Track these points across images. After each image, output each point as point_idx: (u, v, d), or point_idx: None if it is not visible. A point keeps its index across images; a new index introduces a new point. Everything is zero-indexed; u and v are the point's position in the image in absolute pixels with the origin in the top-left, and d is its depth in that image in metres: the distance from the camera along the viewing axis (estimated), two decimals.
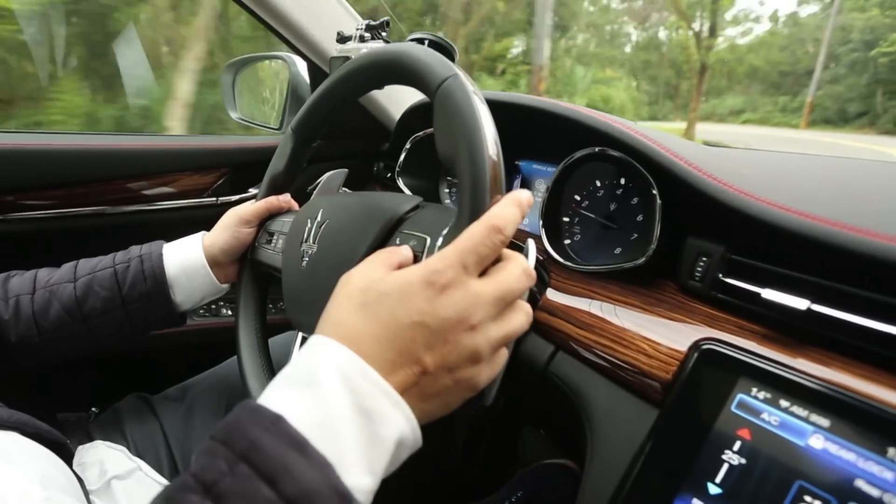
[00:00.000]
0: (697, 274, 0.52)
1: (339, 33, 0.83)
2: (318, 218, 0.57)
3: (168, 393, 0.82)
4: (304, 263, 0.55)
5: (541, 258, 0.69)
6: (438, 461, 1.10)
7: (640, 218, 0.63)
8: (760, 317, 0.47)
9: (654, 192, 0.55)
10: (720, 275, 0.50)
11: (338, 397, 0.29)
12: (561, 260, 0.65)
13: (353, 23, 0.97)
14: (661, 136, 0.58)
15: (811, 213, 0.43)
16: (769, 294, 0.45)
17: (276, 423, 0.27)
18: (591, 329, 0.55)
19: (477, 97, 0.43)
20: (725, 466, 0.41)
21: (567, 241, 0.70)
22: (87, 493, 0.56)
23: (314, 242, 0.55)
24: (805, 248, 0.43)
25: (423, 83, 0.46)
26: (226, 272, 0.72)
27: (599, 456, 0.49)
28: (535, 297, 0.64)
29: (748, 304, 0.47)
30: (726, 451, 0.41)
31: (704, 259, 0.51)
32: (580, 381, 0.55)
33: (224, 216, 0.71)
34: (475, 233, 0.36)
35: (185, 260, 0.68)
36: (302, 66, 1.10)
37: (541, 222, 0.69)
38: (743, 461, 0.40)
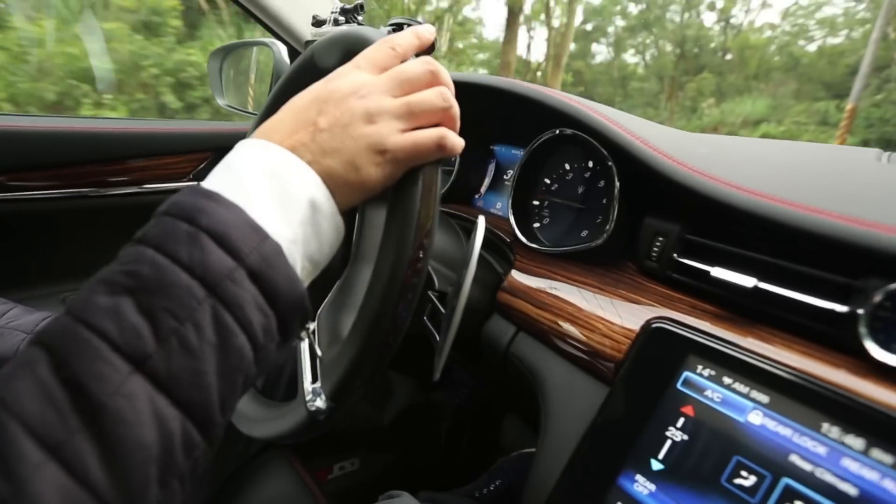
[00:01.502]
0: (654, 254, 0.51)
1: (314, 17, 0.83)
2: None
3: None
4: None
5: (507, 240, 0.69)
6: (423, 449, 1.11)
7: (604, 201, 0.62)
8: (711, 296, 0.47)
9: (611, 163, 0.54)
10: (675, 255, 0.50)
11: (245, 168, 0.31)
12: (527, 242, 0.65)
13: (329, 5, 0.97)
14: (623, 117, 0.58)
15: (760, 190, 0.43)
16: (718, 272, 0.45)
17: (191, 189, 0.29)
18: (549, 309, 0.55)
19: None
20: (668, 443, 0.41)
21: (536, 225, 0.70)
22: None
23: None
24: (753, 225, 0.43)
25: None
26: None
27: (552, 435, 0.49)
28: (499, 279, 0.64)
29: (700, 282, 0.47)
30: (670, 428, 0.41)
31: (661, 239, 0.51)
32: (538, 361, 0.55)
33: None
34: (370, 48, 0.38)
35: None
36: (286, 53, 1.10)
37: (509, 205, 0.69)
38: (685, 437, 0.40)
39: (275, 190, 0.31)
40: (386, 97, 0.36)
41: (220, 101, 1.30)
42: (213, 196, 0.29)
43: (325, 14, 0.82)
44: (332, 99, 0.35)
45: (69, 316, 0.25)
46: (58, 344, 0.24)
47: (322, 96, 0.35)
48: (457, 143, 0.38)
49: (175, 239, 0.27)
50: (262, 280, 0.28)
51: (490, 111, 0.79)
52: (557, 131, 0.62)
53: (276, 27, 0.98)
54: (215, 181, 0.31)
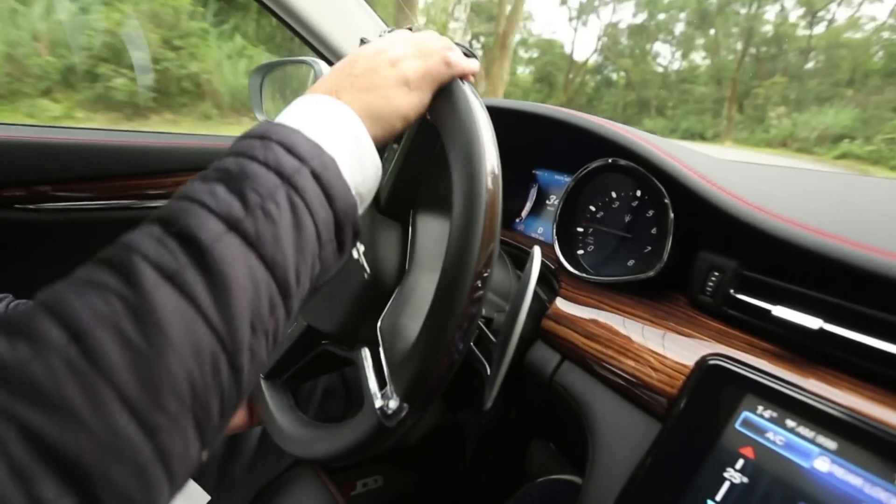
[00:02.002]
0: (709, 289, 0.51)
1: (361, 39, 0.84)
2: None
3: None
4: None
5: (552, 267, 0.69)
6: (447, 470, 1.10)
7: (654, 231, 0.62)
8: (771, 334, 0.46)
9: (667, 201, 0.54)
10: (732, 290, 0.49)
11: (301, 111, 0.38)
12: (572, 270, 0.65)
13: (375, 28, 0.99)
14: (675, 148, 0.58)
15: (825, 230, 0.42)
16: (780, 312, 0.44)
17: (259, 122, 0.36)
18: (598, 339, 0.55)
19: (477, 101, 0.42)
20: (727, 484, 0.40)
21: (580, 252, 0.70)
22: None
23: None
24: (818, 265, 0.42)
25: None
26: None
27: (600, 468, 0.49)
28: (544, 306, 0.64)
29: (759, 321, 0.46)
30: (728, 469, 0.40)
31: (717, 274, 0.50)
32: (585, 391, 0.54)
33: None
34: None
35: None
36: (327, 71, 1.12)
37: (554, 232, 0.69)
38: (745, 480, 0.39)
39: (325, 124, 0.37)
40: (404, 51, 0.43)
41: (259, 117, 1.33)
42: (278, 124, 0.35)
43: (372, 36, 0.83)
44: (363, 55, 0.42)
45: (175, 198, 0.30)
46: (165, 213, 0.29)
47: (353, 57, 0.43)
48: (461, 60, 0.45)
49: (252, 147, 0.33)
50: (322, 181, 0.34)
51: (533, 136, 0.79)
52: (610, 160, 0.62)
53: (320, 46, 1.00)
54: (278, 119, 0.37)
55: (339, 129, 0.38)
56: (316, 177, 0.34)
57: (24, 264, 1.03)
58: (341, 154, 0.37)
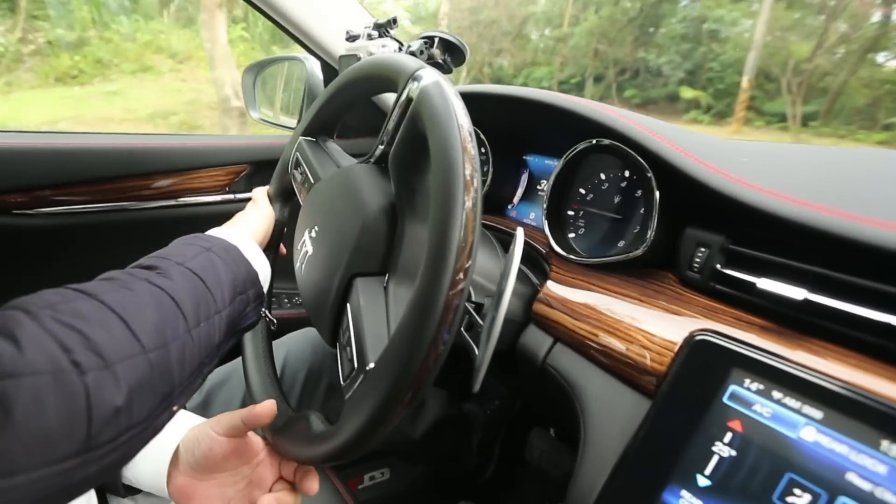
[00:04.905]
0: (696, 265, 0.51)
1: (347, 32, 0.84)
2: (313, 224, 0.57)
3: None
4: (303, 266, 0.56)
5: (543, 251, 0.69)
6: (454, 461, 1.10)
7: (642, 211, 0.62)
8: (758, 308, 0.46)
9: (650, 175, 0.54)
10: (718, 265, 0.49)
11: None
12: (563, 253, 0.64)
13: (363, 21, 0.99)
14: (660, 126, 0.57)
15: (808, 200, 0.42)
16: (765, 284, 0.44)
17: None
18: (588, 321, 0.55)
19: (448, 90, 0.42)
20: (715, 458, 0.40)
21: (571, 235, 0.70)
22: None
23: (311, 245, 0.56)
24: (802, 236, 0.42)
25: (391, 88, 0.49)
26: None
27: (592, 447, 0.49)
28: (535, 290, 0.64)
29: (745, 294, 0.46)
30: (717, 443, 0.40)
31: (703, 250, 0.50)
32: (576, 373, 0.54)
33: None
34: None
35: None
36: (318, 67, 1.12)
37: (544, 215, 0.69)
38: (733, 453, 0.39)
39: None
40: None
41: (254, 115, 1.33)
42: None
43: (358, 29, 0.83)
44: None
45: None
46: None
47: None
48: None
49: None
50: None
51: (523, 122, 0.79)
52: (594, 141, 0.61)
53: (309, 42, 1.00)
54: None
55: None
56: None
57: (28, 270, 1.04)
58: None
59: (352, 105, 0.61)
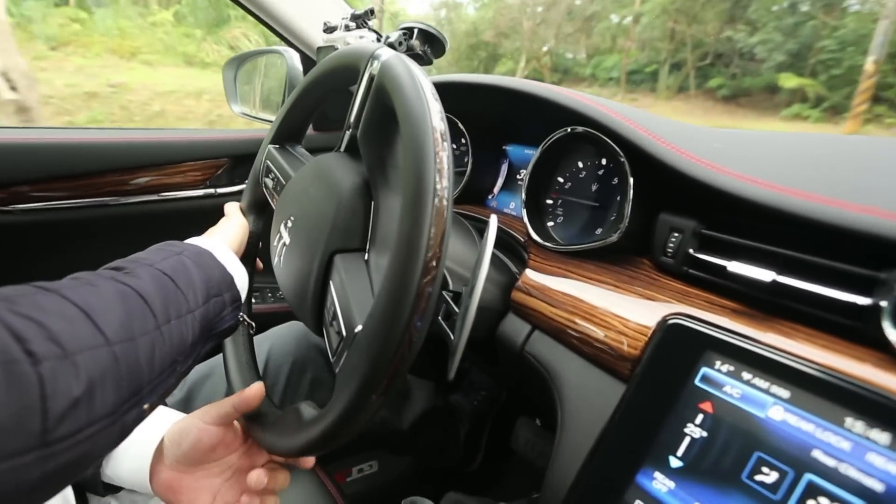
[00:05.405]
0: (670, 250, 0.51)
1: (325, 23, 0.83)
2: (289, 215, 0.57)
3: None
4: (281, 259, 0.56)
5: (522, 240, 0.69)
6: (441, 452, 1.11)
7: (618, 198, 0.62)
8: (729, 291, 0.46)
9: (623, 159, 0.54)
10: (691, 250, 0.49)
11: None
12: (540, 241, 0.65)
13: (341, 12, 0.98)
14: (636, 114, 0.58)
15: (776, 183, 0.42)
16: (735, 267, 0.44)
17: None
18: (564, 307, 0.55)
19: (417, 74, 0.41)
20: (687, 439, 0.40)
21: (550, 224, 0.70)
22: None
23: (288, 235, 0.55)
24: (771, 219, 0.42)
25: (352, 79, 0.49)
26: None
27: (568, 433, 0.49)
28: (513, 278, 0.64)
29: (717, 278, 0.46)
30: (689, 425, 0.41)
31: (676, 234, 0.51)
32: (554, 359, 0.54)
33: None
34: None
35: None
36: (298, 60, 1.11)
37: (522, 204, 0.69)
38: (704, 434, 0.40)
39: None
40: None
41: (235, 109, 1.32)
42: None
43: (335, 20, 0.83)
44: None
45: None
46: None
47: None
48: None
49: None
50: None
51: (502, 111, 0.79)
52: (569, 129, 0.61)
53: (287, 34, 0.99)
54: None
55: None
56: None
57: (4, 268, 1.03)
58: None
59: (318, 106, 0.61)
